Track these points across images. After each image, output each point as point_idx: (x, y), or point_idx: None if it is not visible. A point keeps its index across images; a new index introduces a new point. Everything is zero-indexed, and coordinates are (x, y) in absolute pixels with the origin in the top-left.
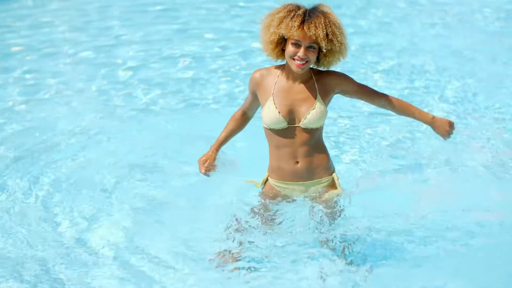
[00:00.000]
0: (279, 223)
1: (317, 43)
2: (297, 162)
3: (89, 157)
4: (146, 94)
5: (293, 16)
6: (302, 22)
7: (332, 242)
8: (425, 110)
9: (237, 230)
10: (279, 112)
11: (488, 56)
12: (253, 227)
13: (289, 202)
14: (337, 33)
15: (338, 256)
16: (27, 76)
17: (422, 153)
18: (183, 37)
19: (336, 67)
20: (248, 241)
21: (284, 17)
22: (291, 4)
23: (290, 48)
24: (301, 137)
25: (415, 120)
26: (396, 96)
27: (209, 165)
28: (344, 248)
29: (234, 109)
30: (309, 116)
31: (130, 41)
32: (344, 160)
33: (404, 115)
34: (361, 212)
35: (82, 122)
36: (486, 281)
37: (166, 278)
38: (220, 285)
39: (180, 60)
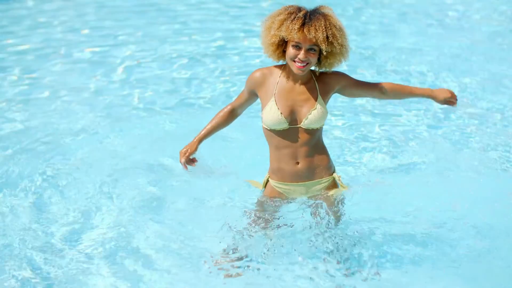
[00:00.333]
0: (280, 225)
1: (318, 45)
2: (298, 163)
3: (86, 156)
4: (144, 93)
5: (294, 18)
6: (303, 24)
7: (335, 243)
8: (424, 110)
9: (237, 232)
10: (281, 113)
11: (488, 56)
12: (253, 229)
13: (290, 202)
14: (338, 35)
15: (338, 257)
16: (24, 75)
17: (422, 153)
18: (181, 37)
19: (338, 69)
20: (248, 243)
21: (285, 19)
22: (292, 6)
23: (290, 50)
24: (301, 137)
25: (414, 121)
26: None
27: (189, 155)
28: (343, 250)
29: None
30: (310, 116)
31: (128, 41)
32: (343, 160)
33: (406, 97)
34: (360, 214)
35: (80, 121)
36: (487, 284)
37: (162, 279)
38: (219, 285)
39: (178, 60)
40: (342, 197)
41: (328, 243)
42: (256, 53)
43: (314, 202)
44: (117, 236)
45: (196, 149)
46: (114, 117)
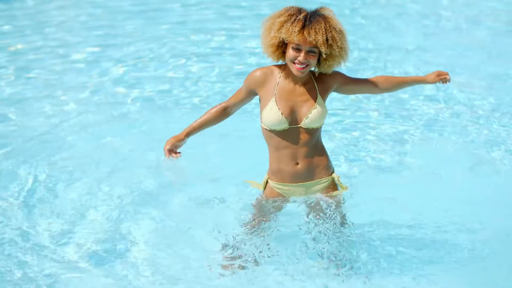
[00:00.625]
0: (278, 227)
1: (318, 48)
2: (297, 164)
3: (84, 156)
4: (142, 93)
5: (294, 21)
6: (303, 27)
7: (336, 245)
8: (422, 110)
9: (235, 233)
10: (281, 114)
11: (487, 55)
12: (251, 230)
13: (290, 202)
14: (337, 38)
15: (337, 259)
16: (21, 75)
17: (422, 154)
18: (178, 37)
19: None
20: (245, 243)
21: (285, 21)
22: (292, 7)
23: (290, 52)
24: (301, 138)
25: (414, 120)
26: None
27: (173, 144)
28: (338, 251)
29: None
30: (310, 115)
31: (125, 41)
32: (342, 161)
33: (399, 87)
34: (359, 215)
35: (76, 120)
36: (487, 284)
37: (158, 279)
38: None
39: (175, 59)
40: (342, 198)
41: (326, 244)
42: (254, 53)
43: (314, 202)
44: (112, 236)
45: (182, 140)
46: (112, 117)
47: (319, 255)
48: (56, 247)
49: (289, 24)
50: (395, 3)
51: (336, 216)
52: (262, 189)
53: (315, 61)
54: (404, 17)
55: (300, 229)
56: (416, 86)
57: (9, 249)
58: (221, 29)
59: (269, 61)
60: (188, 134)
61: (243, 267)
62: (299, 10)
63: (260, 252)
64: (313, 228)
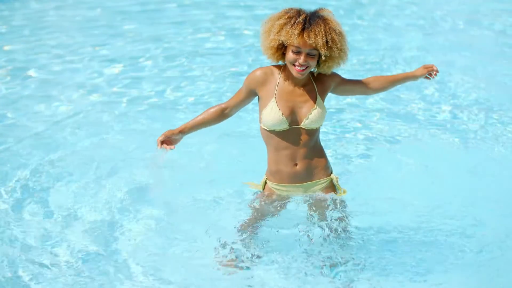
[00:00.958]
0: (277, 228)
1: (317, 50)
2: (296, 164)
3: (80, 155)
4: (139, 93)
5: (293, 23)
6: (302, 29)
7: (336, 247)
8: (422, 110)
9: (234, 233)
10: (282, 114)
11: (486, 56)
12: (249, 230)
13: (289, 202)
14: (337, 40)
15: (336, 260)
16: (18, 74)
17: (422, 154)
18: (177, 37)
19: (336, 71)
20: (243, 244)
21: (285, 24)
22: (291, 9)
23: (290, 55)
24: (300, 138)
25: (414, 120)
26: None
27: (166, 136)
28: (335, 252)
29: None
30: (311, 116)
31: (124, 40)
32: (341, 161)
33: (391, 85)
34: (358, 216)
35: (75, 120)
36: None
37: (155, 279)
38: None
39: (174, 59)
40: (343, 199)
41: (325, 245)
42: (252, 53)
43: (313, 202)
44: (109, 236)
45: (176, 135)
46: (109, 117)
47: (317, 255)
48: (50, 248)
49: (288, 27)
50: (393, 4)
51: (335, 216)
52: (260, 190)
53: (315, 63)
54: (402, 17)
55: (299, 229)
56: (415, 86)
57: (1, 249)
58: (219, 29)
59: (268, 61)
60: (183, 131)
61: (241, 268)
62: (299, 12)
63: (258, 252)
64: (312, 228)
